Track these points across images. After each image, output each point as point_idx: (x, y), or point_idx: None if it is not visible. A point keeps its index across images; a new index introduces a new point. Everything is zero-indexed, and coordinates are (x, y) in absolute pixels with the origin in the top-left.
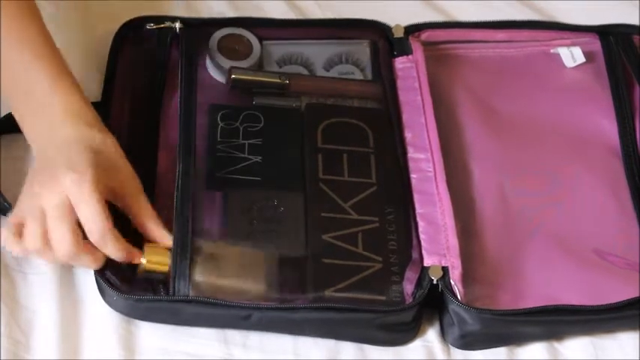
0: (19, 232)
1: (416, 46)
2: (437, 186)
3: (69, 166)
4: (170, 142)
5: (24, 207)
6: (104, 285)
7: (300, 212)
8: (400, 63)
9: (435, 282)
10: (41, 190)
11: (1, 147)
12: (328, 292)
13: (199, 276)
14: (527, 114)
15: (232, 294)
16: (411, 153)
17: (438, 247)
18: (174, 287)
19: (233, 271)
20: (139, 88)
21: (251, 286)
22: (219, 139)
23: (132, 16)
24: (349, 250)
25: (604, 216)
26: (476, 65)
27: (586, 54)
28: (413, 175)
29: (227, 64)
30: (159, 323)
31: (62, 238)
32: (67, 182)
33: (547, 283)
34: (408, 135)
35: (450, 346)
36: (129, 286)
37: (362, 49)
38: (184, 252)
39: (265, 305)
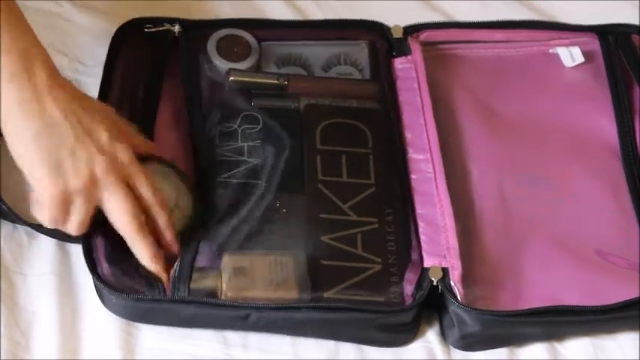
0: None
1: (415, 46)
2: (437, 187)
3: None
4: (165, 145)
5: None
6: (102, 288)
7: (301, 213)
8: (399, 63)
9: (435, 283)
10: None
11: (1, 148)
12: (327, 294)
13: (231, 292)
14: (527, 114)
15: (264, 302)
16: (411, 153)
17: (438, 248)
18: (173, 288)
19: (264, 281)
20: (137, 89)
21: (283, 293)
22: (217, 143)
23: (133, 17)
24: (348, 252)
25: (603, 216)
26: (475, 65)
27: (585, 54)
28: (413, 176)
29: (225, 65)
30: (158, 325)
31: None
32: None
33: (547, 284)
34: (407, 135)
35: (450, 346)
36: (124, 283)
37: (360, 50)
38: (185, 253)
39: (264, 305)
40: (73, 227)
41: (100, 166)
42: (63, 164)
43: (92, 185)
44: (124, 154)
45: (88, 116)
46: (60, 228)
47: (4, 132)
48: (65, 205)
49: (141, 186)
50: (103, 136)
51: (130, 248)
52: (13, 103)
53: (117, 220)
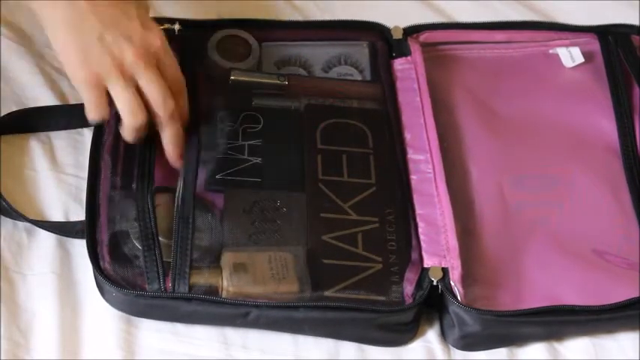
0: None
1: (415, 47)
2: (436, 187)
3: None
4: None
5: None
6: (103, 282)
7: (302, 212)
8: (399, 64)
9: (434, 283)
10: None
11: (1, 147)
12: (328, 292)
13: (232, 287)
14: (526, 114)
15: (265, 298)
16: (411, 154)
17: (438, 248)
18: (173, 284)
19: (265, 276)
20: None
21: (284, 287)
22: (218, 141)
23: None
24: (349, 251)
25: (603, 215)
26: (475, 66)
27: (585, 54)
28: (413, 176)
29: (226, 65)
30: (157, 320)
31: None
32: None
33: (547, 284)
34: (407, 136)
35: (450, 346)
36: (125, 278)
37: (361, 51)
38: (184, 249)
39: (264, 303)
40: (125, 120)
41: (129, 52)
42: (91, 50)
43: (123, 69)
44: (155, 39)
45: (118, 7)
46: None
47: (47, 32)
48: (99, 87)
49: (171, 68)
50: (134, 25)
51: (160, 134)
52: (45, 3)
53: (152, 100)
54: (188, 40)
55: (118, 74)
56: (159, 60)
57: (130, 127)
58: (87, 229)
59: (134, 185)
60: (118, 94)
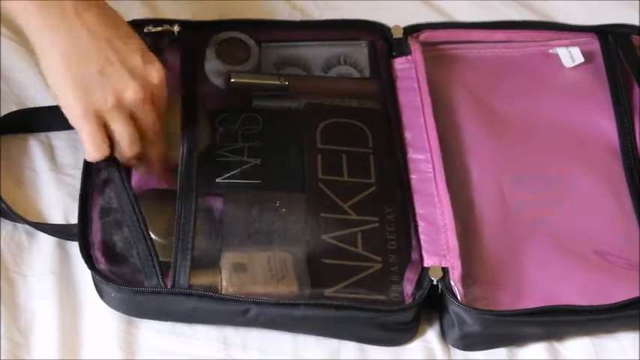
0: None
1: (415, 46)
2: (437, 187)
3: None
4: None
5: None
6: (101, 282)
7: (301, 212)
8: (399, 64)
9: (435, 283)
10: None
11: (1, 147)
12: (328, 292)
13: (232, 287)
14: (526, 114)
15: (265, 296)
16: (411, 154)
17: (438, 247)
18: (173, 280)
19: (264, 277)
20: None
21: (283, 288)
22: (218, 144)
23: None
24: (349, 251)
25: (603, 215)
26: (474, 65)
27: (585, 54)
28: (413, 176)
29: (225, 67)
30: (156, 320)
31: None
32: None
33: (547, 284)
34: (407, 135)
35: (450, 346)
36: (123, 276)
37: (360, 50)
38: (185, 247)
39: (264, 300)
40: (125, 150)
41: (131, 90)
42: (91, 85)
43: (123, 106)
44: (154, 73)
45: (121, 39)
46: (116, 156)
47: (39, 62)
48: (98, 122)
49: (161, 106)
50: (136, 59)
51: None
52: (43, 30)
53: (148, 135)
54: (187, 41)
55: (118, 109)
56: (154, 94)
57: (126, 157)
58: (79, 233)
59: (117, 183)
60: (119, 128)
